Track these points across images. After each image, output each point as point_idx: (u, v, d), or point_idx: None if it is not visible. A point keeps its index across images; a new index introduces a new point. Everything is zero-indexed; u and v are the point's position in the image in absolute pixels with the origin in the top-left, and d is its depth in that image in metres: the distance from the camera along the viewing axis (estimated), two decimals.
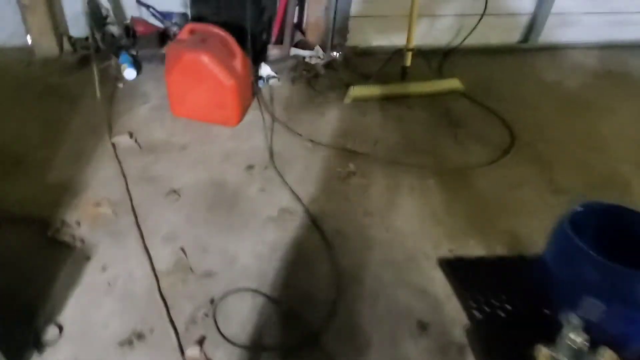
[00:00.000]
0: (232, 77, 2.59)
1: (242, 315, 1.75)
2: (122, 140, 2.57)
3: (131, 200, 2.19)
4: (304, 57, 3.43)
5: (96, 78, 2.83)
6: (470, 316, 1.79)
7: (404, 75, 3.23)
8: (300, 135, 2.72)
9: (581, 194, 2.31)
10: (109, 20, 3.31)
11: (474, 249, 2.09)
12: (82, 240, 1.98)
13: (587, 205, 1.71)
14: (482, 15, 3.44)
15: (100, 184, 2.29)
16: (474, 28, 3.49)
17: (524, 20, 3.81)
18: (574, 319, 1.42)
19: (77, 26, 3.28)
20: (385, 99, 3.10)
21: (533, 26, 3.79)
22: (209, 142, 2.63)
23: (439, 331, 1.75)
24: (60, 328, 1.65)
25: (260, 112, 2.88)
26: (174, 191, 2.27)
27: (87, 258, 1.91)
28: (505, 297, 1.83)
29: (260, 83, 3.13)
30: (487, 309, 1.80)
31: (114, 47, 3.27)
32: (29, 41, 3.24)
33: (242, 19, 2.86)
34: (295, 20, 3.47)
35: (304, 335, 1.71)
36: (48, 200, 2.15)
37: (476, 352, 1.68)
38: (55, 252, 1.92)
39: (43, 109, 2.79)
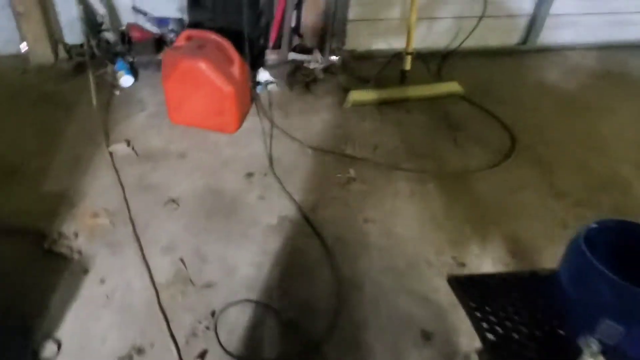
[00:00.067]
0: (230, 83, 2.57)
1: (243, 327, 1.72)
2: (119, 148, 2.54)
3: (129, 210, 2.17)
4: (302, 62, 3.41)
5: (92, 85, 2.81)
6: (483, 338, 1.72)
7: (403, 79, 3.21)
8: (300, 141, 2.69)
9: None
10: (104, 26, 3.29)
11: (477, 255, 2.06)
12: (80, 252, 1.96)
13: (602, 222, 1.66)
14: (481, 17, 3.42)
15: (98, 193, 2.26)
16: (473, 30, 3.48)
17: (522, 22, 3.79)
18: (593, 343, 1.39)
19: (73, 33, 3.27)
20: (385, 103, 3.08)
21: (532, 28, 3.78)
22: (207, 150, 2.60)
23: (444, 340, 1.72)
24: (59, 344, 1.62)
25: (259, 118, 2.85)
26: (173, 200, 2.25)
27: (85, 270, 1.89)
28: (518, 318, 1.77)
29: (259, 88, 3.11)
30: (500, 330, 1.74)
31: (110, 54, 3.24)
32: (24, 48, 3.21)
33: (239, 24, 2.84)
34: (293, 24, 3.45)
35: (305, 345, 1.68)
36: (44, 211, 2.13)
37: None
38: (52, 264, 1.90)
39: (38, 117, 2.76)
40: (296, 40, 3.50)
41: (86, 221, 2.10)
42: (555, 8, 3.66)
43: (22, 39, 3.19)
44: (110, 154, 2.50)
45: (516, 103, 3.18)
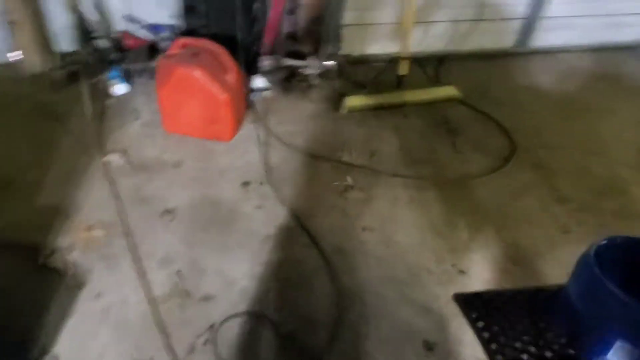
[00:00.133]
0: (225, 91, 2.54)
1: (242, 340, 1.69)
2: (114, 159, 2.51)
3: (125, 222, 2.14)
4: (297, 68, 3.38)
5: (86, 94, 2.77)
6: None
7: (399, 83, 3.19)
8: (296, 148, 2.67)
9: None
10: (97, 34, 3.25)
11: (477, 262, 2.04)
12: (75, 266, 1.93)
13: (612, 238, 1.64)
14: (477, 21, 3.40)
15: (92, 205, 2.23)
16: (469, 34, 3.46)
17: (518, 25, 3.78)
18: None
19: (65, 41, 3.23)
20: (381, 108, 3.05)
21: (527, 30, 3.77)
22: (203, 159, 2.57)
23: (446, 350, 1.70)
24: None
25: (255, 125, 2.83)
26: (169, 211, 2.22)
27: (81, 285, 1.86)
28: (528, 338, 1.74)
29: (254, 95, 3.08)
30: (510, 352, 1.70)
31: (103, 62, 3.21)
32: (15, 57, 3.17)
33: (233, 30, 2.81)
34: (288, 29, 3.42)
35: (306, 358, 1.66)
36: (38, 224, 2.10)
37: None
38: (48, 279, 1.87)
39: (32, 128, 2.73)
40: (291, 46, 3.47)
41: (81, 234, 2.07)
42: (549, 10, 3.65)
43: (15, 48, 3.15)
44: (105, 165, 2.46)
45: (514, 106, 3.16)
